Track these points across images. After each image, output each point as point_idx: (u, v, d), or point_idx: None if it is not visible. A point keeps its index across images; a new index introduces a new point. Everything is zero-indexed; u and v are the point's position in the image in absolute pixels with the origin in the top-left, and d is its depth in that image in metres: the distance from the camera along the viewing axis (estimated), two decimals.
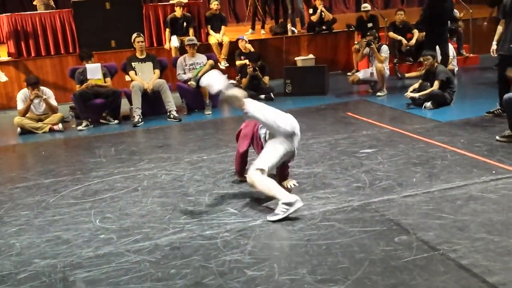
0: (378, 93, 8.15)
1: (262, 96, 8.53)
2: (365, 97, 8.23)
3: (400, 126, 6.13)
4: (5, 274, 3.26)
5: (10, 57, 9.57)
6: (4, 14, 9.67)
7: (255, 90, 8.59)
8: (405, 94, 7.24)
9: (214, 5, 9.93)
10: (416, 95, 7.05)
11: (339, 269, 3.01)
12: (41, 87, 7.41)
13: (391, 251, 3.19)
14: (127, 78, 8.05)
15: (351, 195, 4.13)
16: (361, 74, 8.52)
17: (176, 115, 7.53)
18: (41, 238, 3.74)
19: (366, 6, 10.12)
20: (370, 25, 9.95)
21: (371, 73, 8.31)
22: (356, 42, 10.15)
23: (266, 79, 8.63)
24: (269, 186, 3.86)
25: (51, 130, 7.29)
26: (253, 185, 3.90)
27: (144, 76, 7.79)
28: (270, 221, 3.74)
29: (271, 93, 8.55)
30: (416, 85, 7.30)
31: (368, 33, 8.58)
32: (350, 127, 6.31)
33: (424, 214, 3.68)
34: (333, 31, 10.75)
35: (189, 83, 7.94)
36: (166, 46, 9.54)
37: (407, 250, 3.18)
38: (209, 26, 9.96)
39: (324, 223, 3.65)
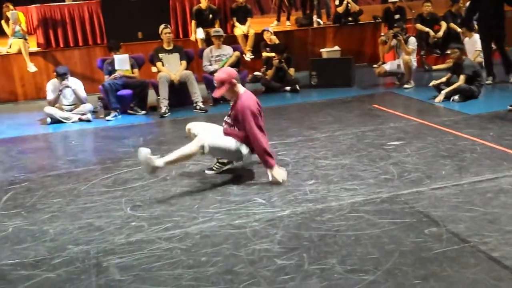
0: (405, 85, 8.09)
1: (288, 88, 8.56)
2: (391, 89, 8.17)
3: (428, 119, 6.07)
4: (39, 259, 3.35)
5: (39, 48, 9.74)
6: (33, 5, 9.83)
7: (280, 82, 8.61)
8: (431, 83, 7.23)
9: (240, 0, 9.92)
10: (443, 94, 6.95)
11: (369, 259, 3.02)
12: (70, 78, 7.52)
13: (421, 242, 3.18)
14: (154, 69, 8.13)
15: (379, 186, 4.13)
16: (388, 66, 8.45)
17: (202, 106, 7.58)
18: (74, 225, 3.82)
19: None
20: (397, 16, 9.86)
21: (398, 65, 8.24)
22: (382, 34, 10.07)
23: (291, 71, 8.62)
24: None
25: (80, 120, 7.42)
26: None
27: (171, 68, 7.85)
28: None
29: (297, 85, 8.55)
30: (444, 79, 7.23)
31: (395, 25, 8.50)
32: (377, 119, 6.28)
33: (454, 207, 3.66)
34: (359, 22, 10.67)
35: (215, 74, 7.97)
36: (192, 37, 9.59)
37: (437, 242, 3.17)
38: (234, 18, 9.97)
39: (353, 214, 3.65)
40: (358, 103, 7.32)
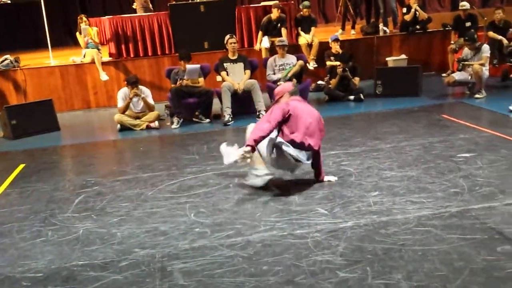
0: (476, 95, 7.78)
1: (351, 97, 8.44)
2: (461, 99, 7.88)
3: (501, 130, 5.80)
4: (108, 261, 3.46)
5: (111, 58, 10.14)
6: (106, 17, 10.26)
7: (344, 91, 8.52)
8: None
9: (305, 11, 9.91)
10: None
11: (437, 276, 2.91)
12: (140, 86, 7.76)
13: (493, 261, 3.03)
14: (218, 78, 8.26)
15: (448, 200, 3.98)
16: (458, 76, 8.16)
17: None
18: (141, 229, 3.93)
19: (465, 5, 9.65)
20: (468, 24, 9.51)
21: (470, 75, 7.94)
22: (452, 42, 9.74)
23: (356, 80, 8.51)
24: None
25: (148, 128, 7.64)
26: None
27: (235, 77, 7.95)
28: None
29: (361, 94, 8.42)
30: None
31: (465, 39, 8.15)
32: (445, 130, 6.07)
33: None
34: (428, 30, 10.39)
35: (278, 83, 7.99)
36: (256, 47, 9.68)
37: (511, 260, 3.01)
38: (299, 28, 9.98)
39: (420, 228, 3.54)
40: (425, 113, 7.10)
